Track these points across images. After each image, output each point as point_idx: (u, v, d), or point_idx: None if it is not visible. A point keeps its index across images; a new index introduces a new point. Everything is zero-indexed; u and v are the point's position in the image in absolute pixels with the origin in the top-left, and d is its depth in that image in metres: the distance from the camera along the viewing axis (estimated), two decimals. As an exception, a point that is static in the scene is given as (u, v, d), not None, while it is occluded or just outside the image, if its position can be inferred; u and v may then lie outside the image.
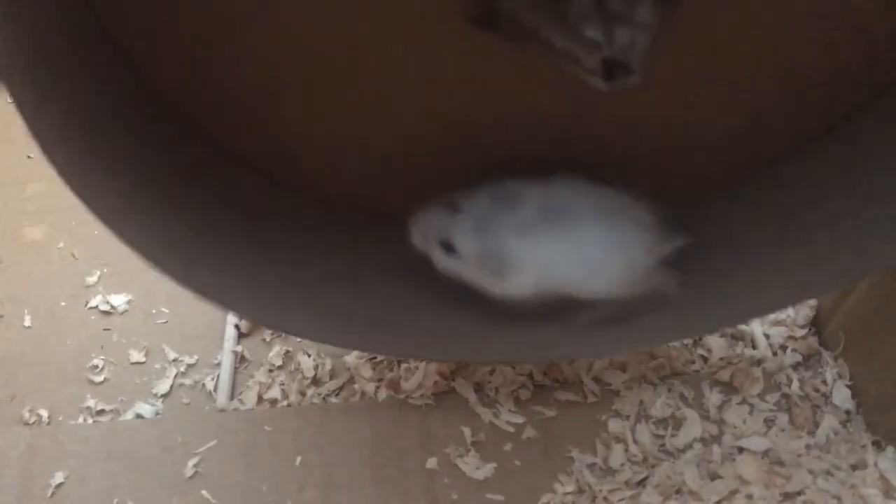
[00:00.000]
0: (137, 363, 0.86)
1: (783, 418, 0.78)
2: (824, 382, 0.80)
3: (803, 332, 0.84)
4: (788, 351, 0.83)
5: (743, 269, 0.63)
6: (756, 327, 0.85)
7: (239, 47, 0.57)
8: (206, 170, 0.62)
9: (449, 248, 0.61)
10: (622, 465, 0.75)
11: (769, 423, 0.78)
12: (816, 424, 0.77)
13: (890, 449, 0.74)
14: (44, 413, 0.82)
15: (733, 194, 0.67)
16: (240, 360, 0.87)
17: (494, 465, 0.76)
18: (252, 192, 0.65)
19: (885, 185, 0.59)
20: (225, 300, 0.56)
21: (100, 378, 0.85)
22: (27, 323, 0.90)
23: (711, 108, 0.63)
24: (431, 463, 0.76)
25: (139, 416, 0.82)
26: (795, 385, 0.80)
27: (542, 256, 0.59)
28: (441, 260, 0.62)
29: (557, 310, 0.62)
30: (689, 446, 0.76)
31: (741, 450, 0.75)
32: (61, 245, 0.97)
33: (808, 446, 0.76)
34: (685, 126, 0.64)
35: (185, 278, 0.52)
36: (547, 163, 0.62)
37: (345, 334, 0.62)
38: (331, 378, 0.84)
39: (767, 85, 0.61)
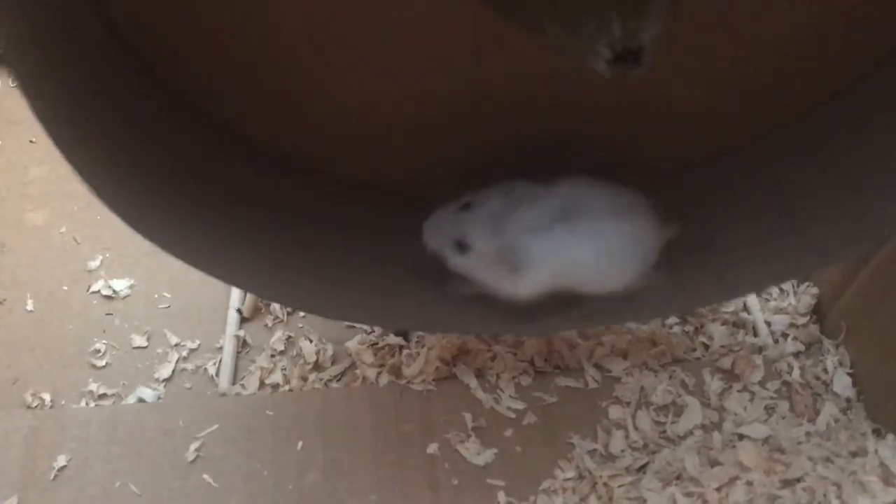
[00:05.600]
0: (139, 348, 0.87)
1: (784, 406, 0.78)
2: (825, 370, 0.81)
3: (804, 320, 0.85)
4: (789, 339, 0.84)
5: (740, 246, 0.64)
6: (757, 315, 0.85)
7: (237, 17, 0.56)
8: (202, 145, 0.62)
9: (463, 247, 0.60)
10: (623, 451, 0.75)
11: (770, 410, 0.78)
12: (817, 412, 0.78)
13: (890, 436, 0.75)
14: (46, 397, 0.83)
15: (724, 171, 0.67)
16: (242, 344, 0.87)
17: (495, 450, 0.76)
18: (237, 164, 0.64)
19: (879, 158, 0.59)
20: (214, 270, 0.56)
21: (102, 362, 0.85)
22: (30, 307, 0.90)
23: (705, 86, 0.62)
24: (432, 448, 0.76)
25: (141, 400, 0.82)
26: (796, 373, 0.80)
27: (559, 253, 0.59)
28: (455, 259, 0.61)
29: (559, 305, 0.62)
30: (690, 433, 0.76)
31: (741, 437, 0.76)
32: (63, 230, 0.97)
33: (808, 434, 0.76)
34: (678, 104, 0.64)
35: (180, 251, 0.52)
36: (541, 151, 0.62)
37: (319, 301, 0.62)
38: (332, 363, 0.84)
39: (762, 59, 0.60)
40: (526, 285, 0.60)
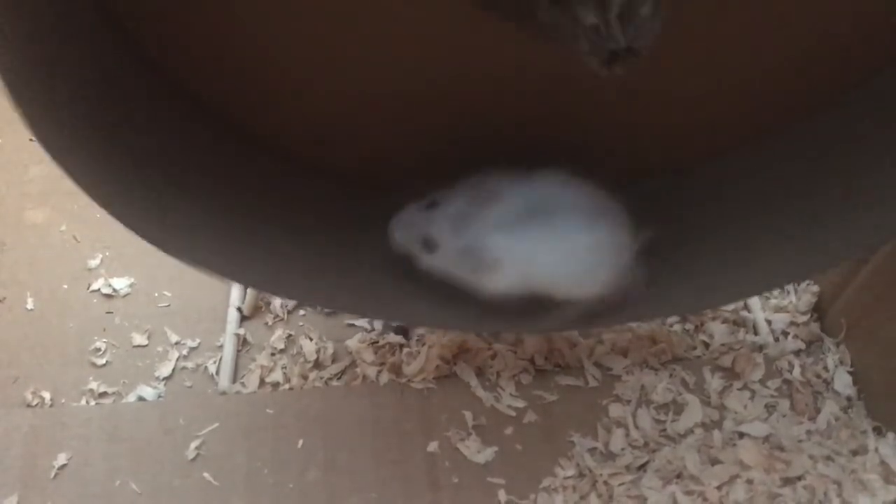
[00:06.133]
0: (140, 346, 0.87)
1: (784, 404, 0.78)
2: (825, 368, 0.81)
3: (805, 318, 0.84)
4: (790, 337, 0.83)
5: (731, 250, 0.64)
6: (758, 313, 0.85)
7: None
8: (193, 135, 0.62)
9: (430, 245, 0.60)
10: (623, 449, 0.75)
11: (770, 408, 0.78)
12: (817, 410, 0.78)
13: (890, 435, 0.75)
14: (46, 395, 0.82)
15: (723, 170, 0.67)
16: (242, 343, 0.87)
17: (495, 448, 0.76)
18: (226, 151, 0.64)
19: (880, 159, 0.59)
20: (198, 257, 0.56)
21: (102, 361, 0.85)
22: (30, 306, 0.90)
23: (703, 84, 0.62)
24: (433, 446, 0.76)
25: (141, 398, 0.82)
26: (797, 371, 0.80)
27: (524, 254, 0.58)
28: (423, 258, 0.61)
29: (534, 308, 0.61)
30: (690, 431, 0.76)
31: (742, 435, 0.76)
32: (63, 228, 0.97)
33: (808, 432, 0.76)
34: (675, 102, 0.64)
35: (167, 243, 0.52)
36: (524, 147, 0.61)
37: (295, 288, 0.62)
38: (333, 362, 0.84)
39: (762, 58, 0.60)
40: (493, 284, 0.60)
